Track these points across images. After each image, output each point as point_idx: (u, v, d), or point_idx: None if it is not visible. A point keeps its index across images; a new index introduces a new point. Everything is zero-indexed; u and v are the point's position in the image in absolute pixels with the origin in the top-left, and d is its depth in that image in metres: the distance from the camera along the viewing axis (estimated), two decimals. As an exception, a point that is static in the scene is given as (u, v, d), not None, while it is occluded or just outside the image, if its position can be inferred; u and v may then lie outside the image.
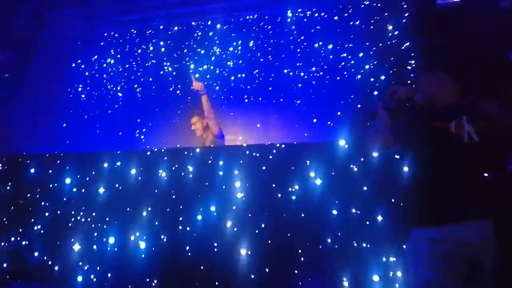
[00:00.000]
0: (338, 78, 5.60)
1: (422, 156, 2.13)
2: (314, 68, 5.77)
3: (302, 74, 5.83)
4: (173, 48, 6.47)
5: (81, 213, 3.66)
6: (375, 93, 4.85)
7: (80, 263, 3.53)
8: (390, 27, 5.30)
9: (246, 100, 6.09)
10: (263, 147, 3.55)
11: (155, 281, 3.37)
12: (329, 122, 5.46)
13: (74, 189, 3.72)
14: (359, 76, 5.36)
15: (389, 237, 3.06)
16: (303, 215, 3.24)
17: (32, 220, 3.75)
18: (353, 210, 3.18)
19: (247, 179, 3.39)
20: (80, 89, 6.70)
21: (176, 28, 6.49)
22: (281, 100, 5.91)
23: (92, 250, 3.55)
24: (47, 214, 3.74)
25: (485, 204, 2.09)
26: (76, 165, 3.81)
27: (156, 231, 3.46)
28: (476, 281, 2.02)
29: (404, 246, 2.29)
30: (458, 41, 4.16)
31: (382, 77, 5.05)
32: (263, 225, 3.28)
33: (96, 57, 6.75)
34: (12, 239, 3.75)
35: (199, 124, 4.84)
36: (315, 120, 5.61)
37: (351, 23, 5.64)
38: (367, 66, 5.34)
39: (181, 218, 3.44)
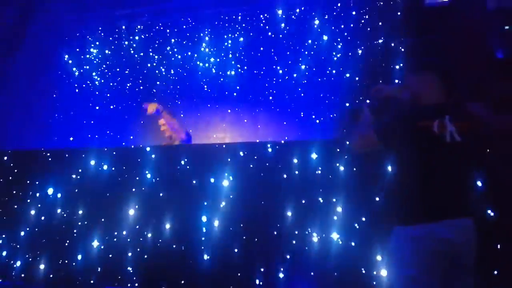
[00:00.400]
0: (326, 76, 5.61)
1: (405, 155, 2.13)
2: (303, 66, 5.78)
3: (291, 71, 5.83)
4: (161, 44, 6.44)
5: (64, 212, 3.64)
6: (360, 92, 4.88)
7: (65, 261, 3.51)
8: (378, 26, 5.31)
9: (235, 94, 6.07)
10: (251, 145, 3.56)
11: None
12: (317, 121, 5.48)
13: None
14: (347, 75, 5.38)
15: (372, 235, 3.09)
16: (289, 213, 3.25)
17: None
18: (339, 209, 3.20)
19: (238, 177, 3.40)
20: (67, 83, 6.63)
21: (163, 23, 6.47)
22: (270, 98, 5.91)
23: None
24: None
25: (466, 202, 2.10)
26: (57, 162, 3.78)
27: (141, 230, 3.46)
28: (457, 279, 2.03)
29: (387, 244, 2.30)
30: (446, 40, 4.20)
31: (368, 76, 5.07)
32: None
33: (83, 51, 6.69)
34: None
35: (167, 125, 4.98)
36: (302, 114, 5.61)
37: (340, 21, 5.66)
38: (355, 65, 5.37)
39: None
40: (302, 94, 5.74)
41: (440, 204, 2.04)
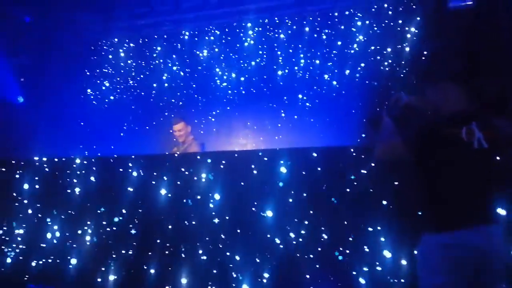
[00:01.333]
0: (349, 82, 5.59)
1: (434, 163, 2.12)
2: (326, 75, 5.78)
3: (313, 78, 5.84)
4: (184, 51, 6.55)
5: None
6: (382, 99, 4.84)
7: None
8: (401, 30, 5.28)
9: (258, 103, 6.11)
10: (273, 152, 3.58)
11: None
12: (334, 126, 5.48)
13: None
14: (375, 82, 5.35)
15: (399, 242, 3.06)
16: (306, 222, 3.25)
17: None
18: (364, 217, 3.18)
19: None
20: (94, 93, 6.80)
21: (186, 32, 6.56)
22: (299, 103, 5.91)
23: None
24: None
25: (494, 209, 2.09)
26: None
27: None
28: (485, 286, 2.01)
29: (415, 252, 2.29)
30: (470, 45, 4.13)
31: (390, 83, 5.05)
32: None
33: (108, 60, 6.85)
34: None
35: (184, 131, 5.00)
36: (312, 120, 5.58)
37: (362, 25, 5.64)
38: (376, 71, 5.35)
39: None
40: (326, 101, 5.72)
41: (469, 211, 2.03)
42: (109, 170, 3.81)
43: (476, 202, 2.05)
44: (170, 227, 3.54)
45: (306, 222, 3.26)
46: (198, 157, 3.67)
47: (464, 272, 1.95)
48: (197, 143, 5.06)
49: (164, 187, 3.55)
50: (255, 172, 3.43)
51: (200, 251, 3.40)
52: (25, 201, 3.95)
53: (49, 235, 3.80)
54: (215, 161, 3.54)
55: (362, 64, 5.58)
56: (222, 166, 3.52)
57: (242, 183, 3.44)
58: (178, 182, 3.56)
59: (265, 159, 3.47)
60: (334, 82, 5.73)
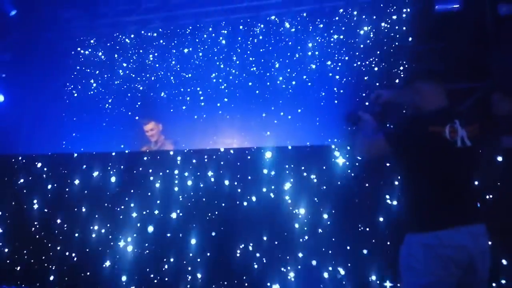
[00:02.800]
0: (332, 81, 5.59)
1: (416, 161, 2.10)
2: (308, 70, 5.79)
3: (298, 76, 5.83)
4: (171, 49, 6.48)
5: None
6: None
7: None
8: (389, 31, 5.30)
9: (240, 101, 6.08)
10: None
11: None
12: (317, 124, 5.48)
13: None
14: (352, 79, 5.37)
15: (383, 242, 3.04)
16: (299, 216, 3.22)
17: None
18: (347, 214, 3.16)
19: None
20: (78, 87, 6.70)
21: (172, 28, 6.52)
22: (280, 101, 5.89)
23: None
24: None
25: (478, 208, 2.08)
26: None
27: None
28: (470, 286, 1.99)
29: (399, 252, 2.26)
30: (455, 46, 4.16)
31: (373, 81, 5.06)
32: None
33: (93, 57, 6.76)
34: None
35: (156, 130, 5.03)
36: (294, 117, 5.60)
37: (348, 26, 5.65)
38: (360, 70, 5.37)
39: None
40: (310, 99, 5.70)
41: (453, 210, 2.01)
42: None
43: (461, 201, 2.03)
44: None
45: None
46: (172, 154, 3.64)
47: (449, 273, 1.93)
48: (170, 141, 5.04)
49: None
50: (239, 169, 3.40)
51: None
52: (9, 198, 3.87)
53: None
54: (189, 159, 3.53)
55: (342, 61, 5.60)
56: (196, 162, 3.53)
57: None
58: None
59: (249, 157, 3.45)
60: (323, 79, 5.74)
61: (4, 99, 6.47)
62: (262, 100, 5.96)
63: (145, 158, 3.67)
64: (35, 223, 3.73)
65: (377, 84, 5.03)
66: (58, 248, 3.66)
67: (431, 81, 2.21)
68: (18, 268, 3.70)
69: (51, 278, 3.59)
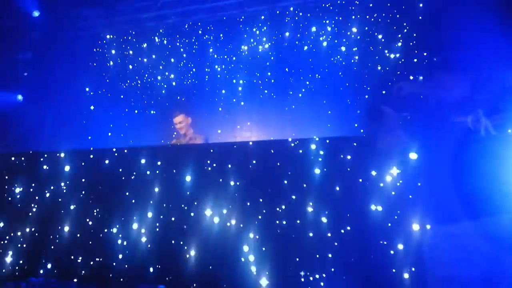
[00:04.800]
0: (351, 74, 5.54)
1: (441, 152, 2.08)
2: (326, 64, 5.75)
3: (316, 70, 5.80)
4: (188, 44, 6.54)
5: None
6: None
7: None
8: (405, 24, 5.23)
9: (261, 96, 6.08)
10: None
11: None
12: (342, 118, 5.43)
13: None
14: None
15: (405, 233, 3.00)
16: (311, 210, 3.19)
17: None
18: (373, 207, 3.11)
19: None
20: (97, 87, 6.83)
21: (191, 24, 6.55)
22: (300, 95, 5.87)
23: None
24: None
25: (505, 198, 2.04)
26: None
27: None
28: (494, 277, 1.97)
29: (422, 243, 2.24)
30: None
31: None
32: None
33: (113, 55, 6.86)
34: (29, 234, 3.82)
35: (185, 123, 5.04)
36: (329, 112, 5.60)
37: (363, 16, 5.59)
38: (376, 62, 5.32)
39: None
40: (329, 92, 5.67)
41: (478, 200, 1.98)
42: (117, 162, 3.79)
43: (485, 191, 2.00)
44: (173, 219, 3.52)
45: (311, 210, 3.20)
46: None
47: (477, 264, 1.90)
48: (201, 137, 5.05)
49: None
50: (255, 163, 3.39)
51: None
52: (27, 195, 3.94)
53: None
54: (221, 152, 3.51)
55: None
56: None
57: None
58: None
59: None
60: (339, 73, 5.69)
61: (22, 98, 6.67)
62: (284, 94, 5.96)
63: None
64: (68, 219, 3.75)
65: (398, 77, 4.96)
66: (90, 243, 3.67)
67: (451, 72, 2.18)
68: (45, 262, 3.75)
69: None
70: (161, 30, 6.66)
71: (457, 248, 1.93)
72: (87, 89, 6.81)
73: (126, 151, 3.72)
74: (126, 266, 3.49)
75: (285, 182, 3.26)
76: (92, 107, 6.72)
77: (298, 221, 3.16)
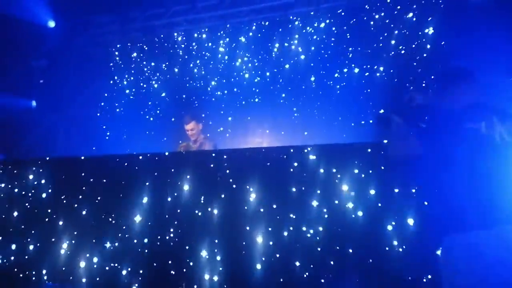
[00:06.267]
0: (366, 80, 5.55)
1: (454, 159, 2.07)
2: (338, 71, 5.77)
3: (331, 76, 5.82)
4: (199, 50, 6.60)
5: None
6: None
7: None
8: (414, 29, 5.25)
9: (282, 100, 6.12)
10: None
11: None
12: (352, 123, 5.44)
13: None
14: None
15: (422, 242, 2.98)
16: (326, 215, 3.20)
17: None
18: (387, 214, 3.10)
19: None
20: (110, 93, 6.91)
21: (201, 31, 6.63)
22: (319, 103, 5.90)
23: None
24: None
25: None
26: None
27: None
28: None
29: (439, 252, 2.23)
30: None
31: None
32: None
33: (126, 61, 6.95)
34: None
35: (196, 130, 5.02)
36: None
37: (374, 23, 5.62)
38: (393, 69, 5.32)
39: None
40: (342, 99, 5.69)
41: (495, 208, 1.96)
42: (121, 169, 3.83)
43: (502, 199, 1.99)
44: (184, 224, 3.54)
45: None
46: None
47: (493, 273, 1.88)
48: (211, 143, 5.07)
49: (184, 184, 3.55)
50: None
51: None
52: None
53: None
54: (231, 159, 3.53)
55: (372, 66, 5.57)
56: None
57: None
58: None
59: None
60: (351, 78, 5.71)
61: (36, 104, 6.77)
62: (295, 100, 5.98)
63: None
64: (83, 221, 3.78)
65: (410, 84, 4.97)
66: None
67: (463, 81, 2.18)
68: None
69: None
70: (175, 35, 6.73)
71: (475, 257, 1.91)
72: (105, 94, 6.92)
73: (141, 157, 3.78)
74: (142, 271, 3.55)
75: (300, 188, 3.31)
76: (103, 113, 6.84)
77: (312, 229, 3.19)
